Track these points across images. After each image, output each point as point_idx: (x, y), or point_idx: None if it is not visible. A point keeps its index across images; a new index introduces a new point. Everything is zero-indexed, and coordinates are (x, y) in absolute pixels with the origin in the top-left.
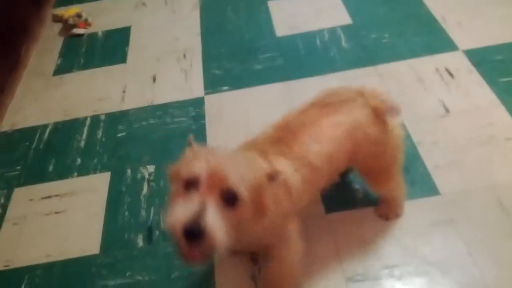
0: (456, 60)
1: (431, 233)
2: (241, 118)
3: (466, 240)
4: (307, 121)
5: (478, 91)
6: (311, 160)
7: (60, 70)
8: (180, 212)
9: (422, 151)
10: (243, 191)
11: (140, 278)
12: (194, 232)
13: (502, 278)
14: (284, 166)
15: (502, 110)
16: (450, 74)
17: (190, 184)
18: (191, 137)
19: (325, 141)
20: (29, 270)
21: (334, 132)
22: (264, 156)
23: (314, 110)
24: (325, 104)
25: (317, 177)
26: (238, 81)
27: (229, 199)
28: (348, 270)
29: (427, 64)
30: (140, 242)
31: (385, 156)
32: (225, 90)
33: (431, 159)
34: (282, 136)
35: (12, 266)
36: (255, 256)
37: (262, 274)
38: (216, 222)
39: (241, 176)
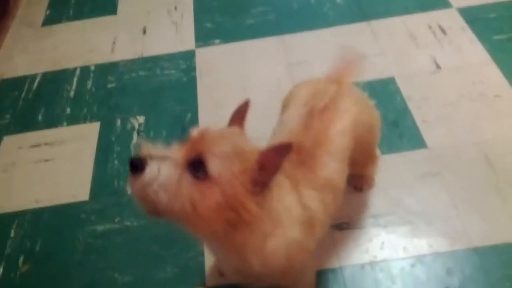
0: (449, 18)
1: (417, 185)
2: (232, 71)
3: (451, 193)
4: (319, 138)
5: (470, 49)
6: (335, 184)
7: (49, 21)
8: (149, 146)
9: (411, 106)
10: (211, 166)
11: (128, 223)
12: (134, 163)
13: (484, 230)
14: (313, 201)
15: (493, 67)
16: (443, 31)
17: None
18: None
19: (340, 155)
20: (19, 215)
21: (344, 141)
22: (296, 187)
23: (317, 121)
24: (322, 111)
25: (338, 201)
26: (230, 35)
27: (197, 166)
28: (334, 218)
29: (420, 21)
30: (129, 189)
31: (373, 139)
32: (217, 44)
33: (420, 114)
34: (302, 160)
35: (1, 211)
36: None
37: None
38: (156, 170)
39: (224, 155)
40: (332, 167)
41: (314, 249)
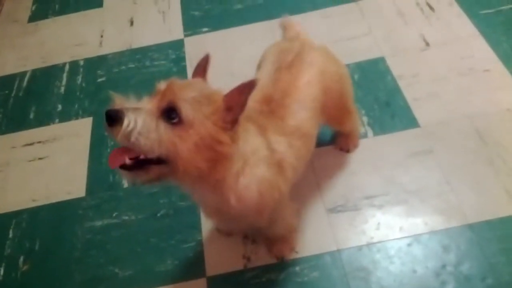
0: None
1: (410, 164)
2: (222, 59)
3: (444, 169)
4: (287, 89)
5: (459, 24)
6: (304, 131)
7: (35, 16)
8: (121, 98)
9: (402, 84)
10: (183, 111)
11: (126, 218)
12: (111, 115)
13: (478, 204)
14: (280, 145)
15: (481, 41)
16: (431, 8)
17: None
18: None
19: (309, 104)
20: (16, 215)
21: (312, 91)
22: (264, 133)
23: (285, 74)
24: (289, 65)
25: (309, 146)
26: (218, 22)
27: (170, 114)
28: (329, 201)
29: None
30: (125, 183)
31: (345, 91)
32: (205, 32)
33: (411, 92)
34: (272, 110)
35: None
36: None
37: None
38: (133, 120)
39: (193, 99)
40: (301, 115)
41: (288, 191)
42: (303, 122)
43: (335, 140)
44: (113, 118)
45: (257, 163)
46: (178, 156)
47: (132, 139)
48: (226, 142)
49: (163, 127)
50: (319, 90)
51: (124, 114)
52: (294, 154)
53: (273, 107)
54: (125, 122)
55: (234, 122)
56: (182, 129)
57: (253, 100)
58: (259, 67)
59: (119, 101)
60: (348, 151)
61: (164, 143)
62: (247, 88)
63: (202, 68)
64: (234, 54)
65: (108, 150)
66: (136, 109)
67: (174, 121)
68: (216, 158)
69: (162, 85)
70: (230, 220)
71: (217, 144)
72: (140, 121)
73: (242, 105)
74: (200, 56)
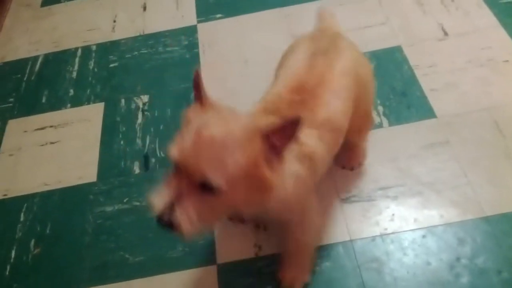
0: None
1: (426, 155)
2: (235, 46)
3: (460, 161)
4: (323, 76)
5: (478, 13)
6: (335, 122)
7: (48, 1)
8: (156, 199)
9: (419, 74)
10: (218, 183)
11: (137, 203)
12: (164, 224)
13: (494, 197)
14: (310, 138)
15: (501, 32)
16: None
17: (174, 165)
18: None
19: (343, 93)
20: (28, 198)
21: (347, 80)
22: None
23: (320, 61)
24: (325, 51)
25: (338, 139)
26: (232, 8)
27: (207, 187)
28: (343, 192)
29: None
30: (136, 169)
31: (371, 87)
32: (219, 18)
33: (428, 82)
34: (303, 100)
35: (10, 195)
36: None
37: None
38: (185, 215)
39: (220, 163)
40: (333, 105)
41: (315, 187)
42: (335, 113)
43: (337, 158)
44: (167, 226)
45: (290, 159)
46: (234, 208)
47: (195, 229)
48: (271, 179)
49: (210, 201)
50: (352, 80)
51: (174, 220)
52: (324, 148)
53: (305, 97)
54: (183, 227)
55: (279, 157)
56: (227, 194)
57: (287, 88)
58: (281, 65)
59: (158, 203)
60: (352, 169)
61: (217, 211)
62: (293, 128)
63: (200, 92)
64: (247, 41)
65: (120, 136)
66: (178, 200)
67: (214, 191)
68: (266, 188)
69: (175, 151)
70: (262, 214)
71: (265, 181)
72: (192, 215)
73: (288, 142)
74: (214, 42)
